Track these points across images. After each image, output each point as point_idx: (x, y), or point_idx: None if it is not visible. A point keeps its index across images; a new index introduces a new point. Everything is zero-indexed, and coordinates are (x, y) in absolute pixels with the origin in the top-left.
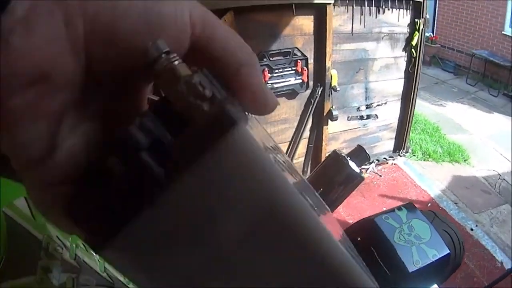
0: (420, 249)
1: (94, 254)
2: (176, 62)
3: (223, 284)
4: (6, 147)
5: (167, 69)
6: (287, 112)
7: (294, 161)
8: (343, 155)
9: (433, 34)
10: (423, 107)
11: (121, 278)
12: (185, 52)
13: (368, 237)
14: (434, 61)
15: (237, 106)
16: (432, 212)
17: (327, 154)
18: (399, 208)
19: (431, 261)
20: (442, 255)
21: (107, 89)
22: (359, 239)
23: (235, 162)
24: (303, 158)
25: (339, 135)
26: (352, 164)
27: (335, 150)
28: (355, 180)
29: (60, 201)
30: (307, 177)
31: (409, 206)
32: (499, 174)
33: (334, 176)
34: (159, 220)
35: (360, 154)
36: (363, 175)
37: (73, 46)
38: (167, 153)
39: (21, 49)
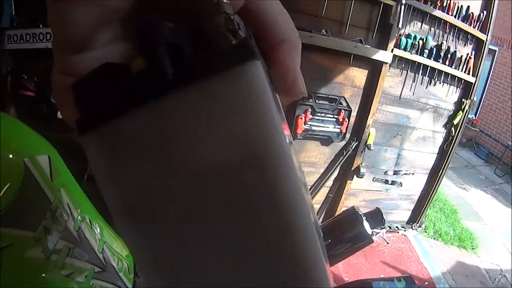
0: None
1: (96, 233)
2: (225, 0)
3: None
4: (55, 20)
5: (214, 1)
6: (317, 157)
7: None
8: (360, 213)
9: (475, 116)
10: (447, 186)
11: (114, 264)
12: (239, 8)
13: None
14: (470, 144)
15: (263, 60)
16: None
17: (343, 208)
18: (398, 279)
19: None
20: None
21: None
22: None
23: (241, 91)
24: (319, 206)
25: (359, 192)
26: (366, 225)
27: (353, 206)
28: (364, 241)
29: None
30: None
31: (409, 279)
32: (501, 269)
33: (346, 231)
34: (150, 121)
35: (377, 217)
36: (373, 237)
37: None
38: (183, 61)
39: None
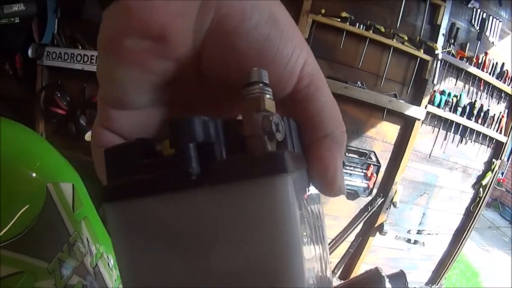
0: None
1: (113, 272)
2: (267, 96)
3: None
4: (102, 75)
5: (255, 96)
6: (342, 210)
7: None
8: (383, 274)
9: (502, 176)
10: (469, 248)
11: None
12: (285, 95)
13: None
14: (495, 204)
15: (298, 164)
16: None
17: (362, 265)
18: None
19: None
20: None
21: (202, 88)
22: None
23: (262, 205)
24: (337, 260)
25: (380, 250)
26: (389, 287)
27: (377, 267)
28: None
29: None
30: (336, 281)
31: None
32: None
33: None
34: (169, 211)
35: (400, 280)
36: None
37: (196, 31)
38: (210, 161)
39: (158, 5)
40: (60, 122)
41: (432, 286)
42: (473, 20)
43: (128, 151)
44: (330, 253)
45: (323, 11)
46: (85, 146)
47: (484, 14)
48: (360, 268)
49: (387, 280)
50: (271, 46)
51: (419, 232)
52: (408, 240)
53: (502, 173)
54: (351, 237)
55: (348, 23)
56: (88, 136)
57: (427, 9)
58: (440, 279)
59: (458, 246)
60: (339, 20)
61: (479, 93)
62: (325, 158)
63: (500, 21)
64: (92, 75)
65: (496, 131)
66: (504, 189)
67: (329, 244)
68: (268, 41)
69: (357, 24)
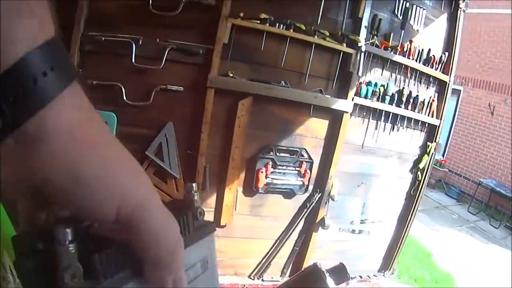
0: None
1: None
2: (71, 251)
3: None
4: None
5: (56, 256)
6: (280, 211)
7: (276, 260)
8: (323, 270)
9: (443, 157)
10: (418, 230)
11: None
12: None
13: None
14: (439, 185)
15: None
16: None
17: (311, 260)
18: None
19: None
20: None
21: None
22: None
23: None
24: (285, 259)
25: (326, 244)
26: (330, 281)
27: (315, 263)
28: None
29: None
30: (284, 281)
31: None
32: None
33: None
34: None
35: (341, 272)
36: None
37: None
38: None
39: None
40: None
41: (385, 272)
42: (396, 10)
43: (25, 241)
44: (276, 254)
45: (241, 14)
46: None
47: (407, 4)
48: (309, 264)
49: (327, 274)
50: (79, 201)
51: (362, 221)
52: (353, 231)
53: (443, 154)
54: (295, 235)
55: (268, 24)
56: None
57: (348, 3)
58: (392, 264)
59: (404, 230)
60: (259, 22)
61: (407, 80)
62: (151, 279)
63: (424, 9)
64: None
65: (428, 115)
66: (447, 170)
67: (273, 245)
68: (74, 198)
69: (277, 24)
